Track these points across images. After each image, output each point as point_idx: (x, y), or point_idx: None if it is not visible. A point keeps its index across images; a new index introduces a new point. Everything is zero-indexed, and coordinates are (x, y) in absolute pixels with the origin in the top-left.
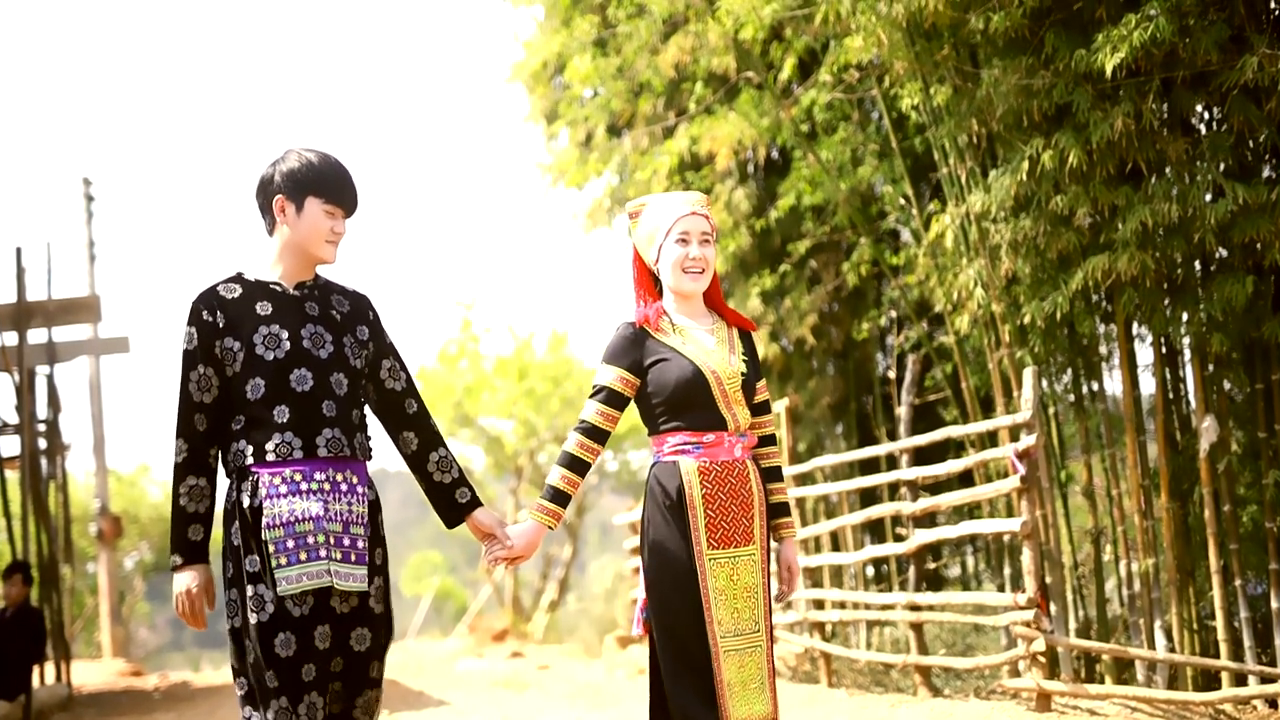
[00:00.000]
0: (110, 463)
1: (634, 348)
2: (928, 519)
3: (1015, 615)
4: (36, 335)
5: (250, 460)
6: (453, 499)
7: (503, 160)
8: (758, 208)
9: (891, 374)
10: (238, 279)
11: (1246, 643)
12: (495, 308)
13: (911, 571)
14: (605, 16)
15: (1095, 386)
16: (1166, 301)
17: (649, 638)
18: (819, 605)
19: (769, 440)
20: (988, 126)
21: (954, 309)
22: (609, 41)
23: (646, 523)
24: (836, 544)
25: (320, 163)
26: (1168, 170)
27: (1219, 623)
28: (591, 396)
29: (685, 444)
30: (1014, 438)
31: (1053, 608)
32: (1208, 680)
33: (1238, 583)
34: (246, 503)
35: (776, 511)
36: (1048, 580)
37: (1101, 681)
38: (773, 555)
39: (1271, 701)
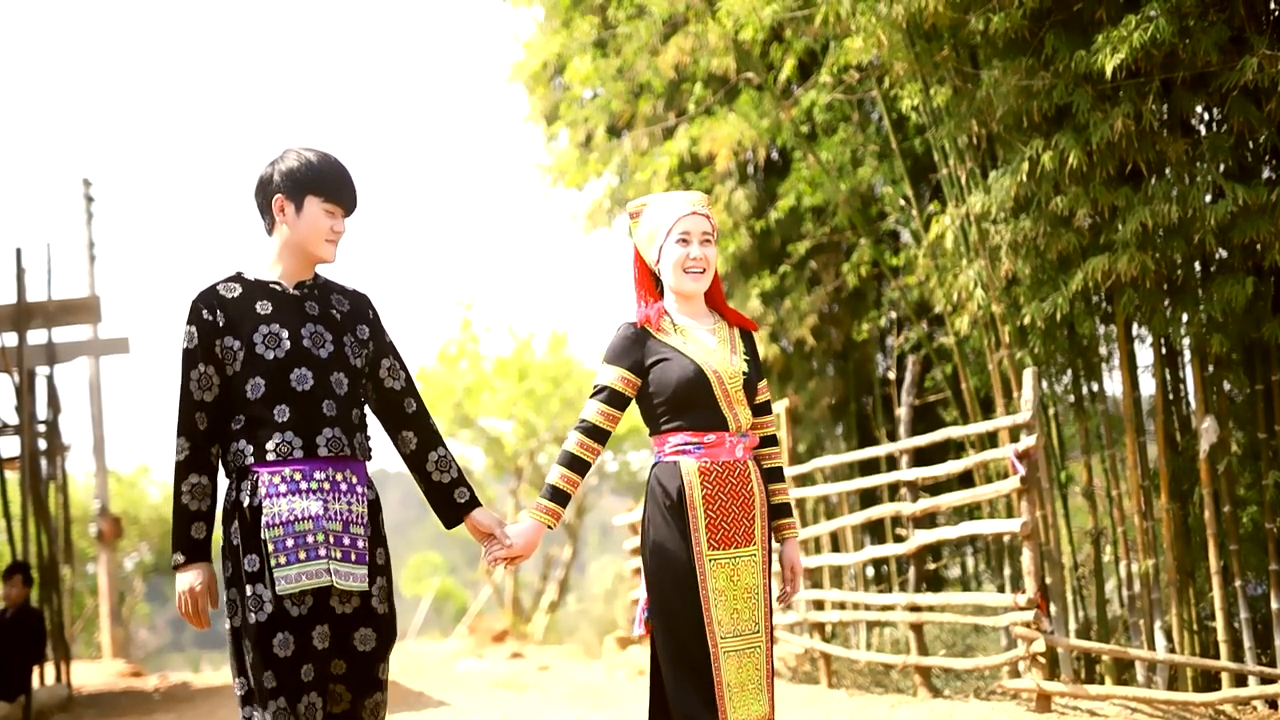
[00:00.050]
0: (110, 463)
1: (635, 347)
2: (928, 520)
3: (1015, 616)
4: (36, 336)
5: (250, 460)
6: (451, 499)
7: (503, 161)
8: (758, 209)
9: (891, 375)
10: (237, 278)
11: (1246, 643)
12: (495, 308)
13: (911, 572)
14: (605, 17)
15: (1095, 387)
16: (1166, 302)
17: (650, 638)
18: (819, 606)
19: (770, 441)
20: (988, 127)
21: (954, 310)
22: (609, 42)
23: (647, 523)
24: (836, 545)
25: (319, 162)
26: (1168, 171)
27: (1219, 623)
28: (592, 396)
29: (686, 444)
30: (1014, 438)
31: (1053, 608)
32: (1208, 681)
33: (1238, 583)
34: (246, 502)
35: (778, 512)
36: (1048, 581)
37: (1101, 682)
38: (775, 556)
39: (1271, 702)
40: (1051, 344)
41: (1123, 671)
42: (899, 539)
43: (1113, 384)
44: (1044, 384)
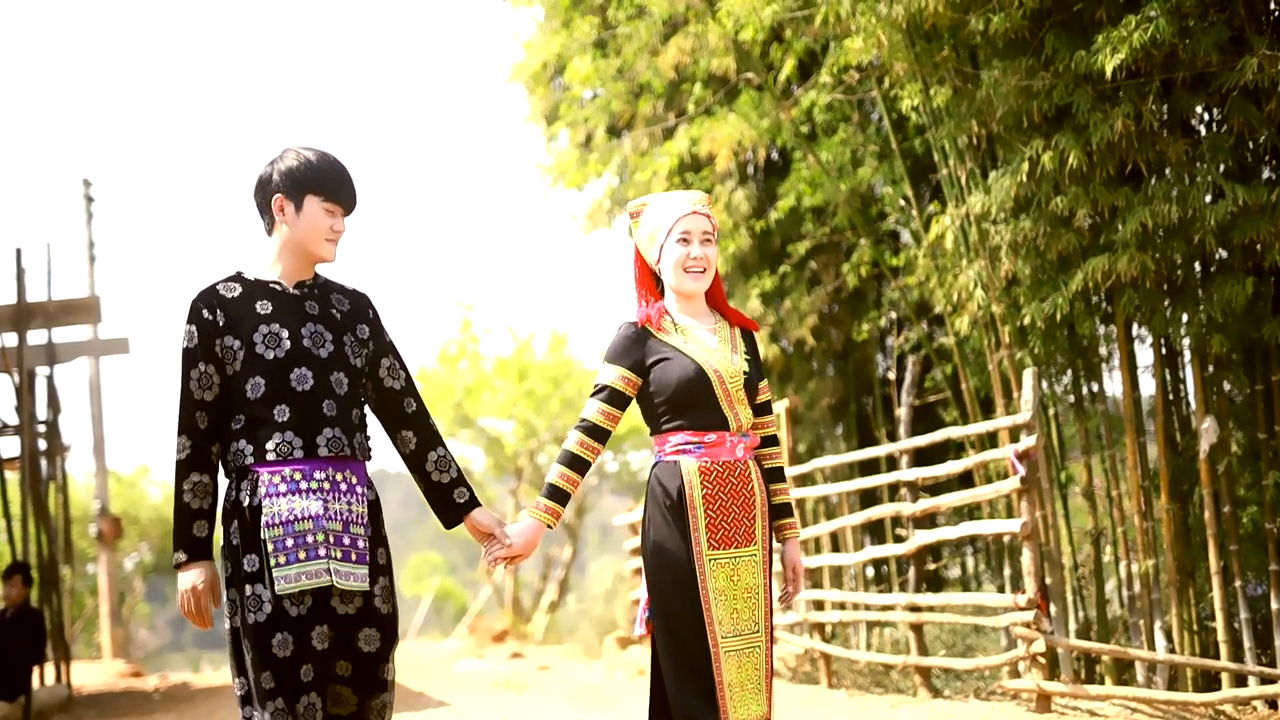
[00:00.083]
0: (110, 464)
1: (636, 347)
2: (928, 520)
3: (1015, 616)
4: (36, 336)
5: (250, 459)
6: (450, 499)
7: (503, 161)
8: (757, 209)
9: (891, 375)
10: (237, 278)
11: (1246, 644)
12: (495, 308)
13: (911, 572)
14: (605, 18)
15: (1095, 388)
16: (1166, 303)
17: (650, 638)
18: (819, 606)
19: (771, 441)
20: (988, 128)
21: (954, 310)
22: (609, 42)
23: (647, 523)
24: (836, 545)
25: (318, 161)
26: (1168, 171)
27: (1219, 624)
28: (593, 395)
29: (687, 443)
30: (1014, 439)
31: (1053, 609)
32: (1208, 681)
33: (1238, 584)
34: (246, 502)
35: (779, 512)
36: (1048, 581)
37: (1101, 682)
38: (776, 556)
39: (1271, 702)
40: (1051, 344)
41: (1123, 672)
42: (899, 539)
43: (1113, 384)
44: (1044, 384)
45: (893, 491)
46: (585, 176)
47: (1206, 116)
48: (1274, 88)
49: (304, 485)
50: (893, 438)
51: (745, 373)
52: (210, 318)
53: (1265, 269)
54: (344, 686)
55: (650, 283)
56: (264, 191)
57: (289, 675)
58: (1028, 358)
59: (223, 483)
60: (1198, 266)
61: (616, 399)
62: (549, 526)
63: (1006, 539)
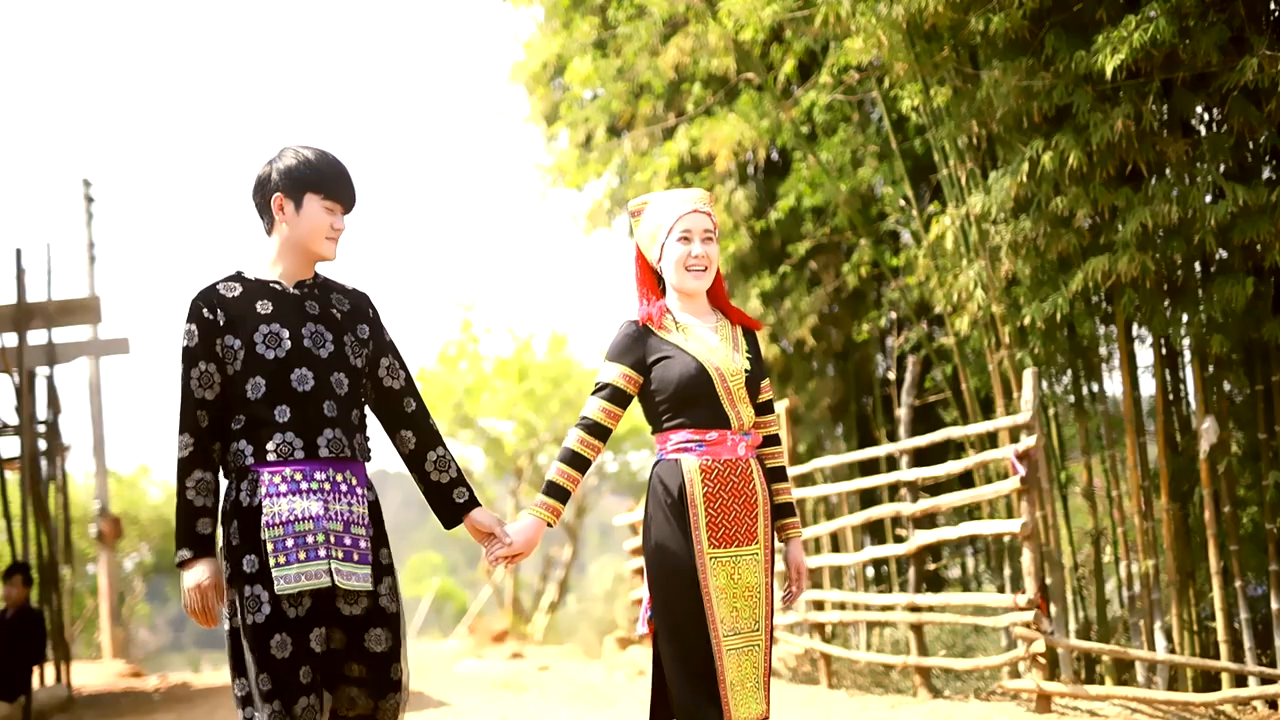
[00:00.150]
0: (110, 464)
1: (637, 345)
2: (928, 520)
3: (1015, 616)
4: (36, 336)
5: (250, 460)
6: (450, 499)
7: (503, 161)
8: (758, 209)
9: (891, 375)
10: (237, 278)
11: (1246, 644)
12: (495, 309)
13: (911, 572)
14: (605, 18)
15: (1095, 388)
16: (1166, 303)
17: (652, 637)
18: (819, 606)
19: (773, 440)
20: (988, 128)
21: (954, 310)
22: (609, 43)
23: (649, 521)
24: (836, 545)
25: (318, 159)
26: (1168, 172)
27: (1219, 624)
28: (594, 393)
29: (688, 442)
30: (1014, 439)
31: (1053, 609)
32: (1208, 681)
33: (1238, 584)
34: (245, 502)
35: (781, 512)
36: (1048, 581)
37: (1101, 682)
38: (779, 556)
39: (1271, 702)
40: (1051, 344)
41: (1123, 672)
42: (899, 539)
43: (1113, 384)
44: (1044, 384)
45: (893, 492)
46: (585, 177)
47: (1206, 116)
48: (1274, 88)
49: (304, 486)
50: (893, 438)
51: (747, 371)
52: (211, 317)
53: (1265, 269)
54: (356, 688)
55: (652, 281)
56: (263, 191)
57: (287, 676)
58: (1028, 358)
59: (223, 482)
60: (1198, 267)
61: (618, 397)
62: (549, 524)
63: (1006, 539)
